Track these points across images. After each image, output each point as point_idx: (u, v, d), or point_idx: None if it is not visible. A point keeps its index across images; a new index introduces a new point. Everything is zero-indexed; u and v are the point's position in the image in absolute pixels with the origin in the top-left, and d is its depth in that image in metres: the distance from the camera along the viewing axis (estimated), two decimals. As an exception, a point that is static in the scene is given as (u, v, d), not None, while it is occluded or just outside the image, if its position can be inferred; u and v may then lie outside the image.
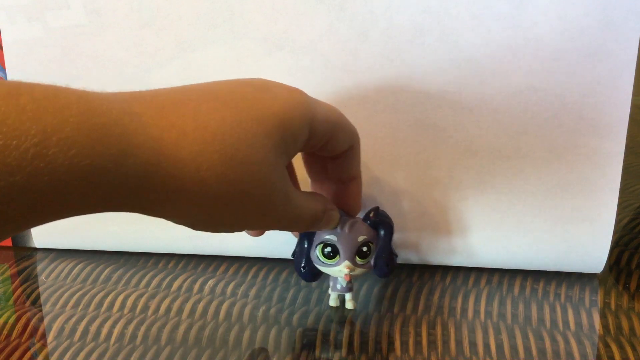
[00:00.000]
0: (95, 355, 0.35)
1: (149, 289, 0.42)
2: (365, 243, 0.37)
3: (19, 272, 0.44)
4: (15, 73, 0.42)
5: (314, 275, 0.38)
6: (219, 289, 0.41)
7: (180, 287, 0.42)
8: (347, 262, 0.36)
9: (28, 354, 0.36)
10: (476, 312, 0.39)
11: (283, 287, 0.41)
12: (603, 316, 0.38)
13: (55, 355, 0.35)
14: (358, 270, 0.37)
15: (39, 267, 0.45)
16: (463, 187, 0.41)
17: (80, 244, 0.46)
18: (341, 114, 0.33)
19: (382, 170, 0.41)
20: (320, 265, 0.37)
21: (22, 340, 0.37)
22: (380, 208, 0.38)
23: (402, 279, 0.42)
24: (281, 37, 0.39)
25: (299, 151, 0.31)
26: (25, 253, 0.46)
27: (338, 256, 0.36)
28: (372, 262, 0.37)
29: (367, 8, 0.38)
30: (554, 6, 0.36)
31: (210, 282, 0.42)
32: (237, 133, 0.26)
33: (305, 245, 0.38)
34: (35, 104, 0.21)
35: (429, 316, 0.38)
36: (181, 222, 0.28)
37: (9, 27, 0.41)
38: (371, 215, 0.37)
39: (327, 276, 0.39)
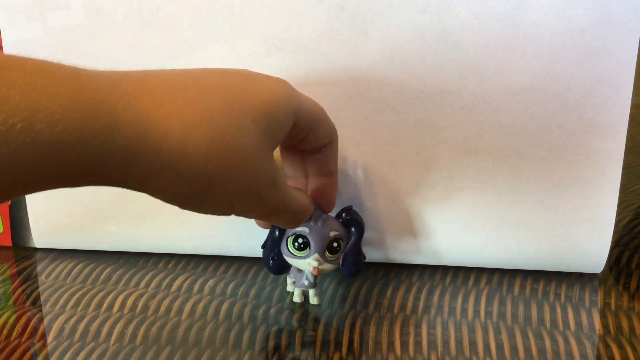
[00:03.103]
0: (95, 355, 0.35)
1: (149, 289, 0.42)
2: (336, 239, 0.37)
3: (19, 272, 0.44)
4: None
5: (282, 267, 0.38)
6: (219, 289, 0.41)
7: (180, 287, 0.42)
8: (316, 255, 0.36)
9: (28, 354, 0.36)
10: (476, 312, 0.39)
11: (283, 287, 0.41)
12: (603, 316, 0.38)
13: (55, 355, 0.35)
14: (326, 266, 0.37)
15: (39, 267, 0.45)
16: (463, 187, 0.41)
17: (80, 244, 0.46)
18: (323, 109, 0.34)
19: (382, 170, 0.41)
20: (290, 257, 0.37)
21: (22, 340, 0.37)
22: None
23: (403, 279, 0.42)
24: (281, 37, 0.39)
25: (283, 140, 0.31)
26: (25, 253, 0.46)
27: (308, 249, 0.36)
28: (340, 259, 0.37)
29: (367, 8, 0.38)
30: (554, 6, 0.37)
31: (210, 282, 0.42)
32: (225, 116, 0.27)
33: (277, 236, 0.38)
34: (26, 79, 0.21)
35: (429, 316, 0.38)
36: (167, 200, 0.28)
37: (9, 27, 0.41)
38: (344, 213, 0.38)
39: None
